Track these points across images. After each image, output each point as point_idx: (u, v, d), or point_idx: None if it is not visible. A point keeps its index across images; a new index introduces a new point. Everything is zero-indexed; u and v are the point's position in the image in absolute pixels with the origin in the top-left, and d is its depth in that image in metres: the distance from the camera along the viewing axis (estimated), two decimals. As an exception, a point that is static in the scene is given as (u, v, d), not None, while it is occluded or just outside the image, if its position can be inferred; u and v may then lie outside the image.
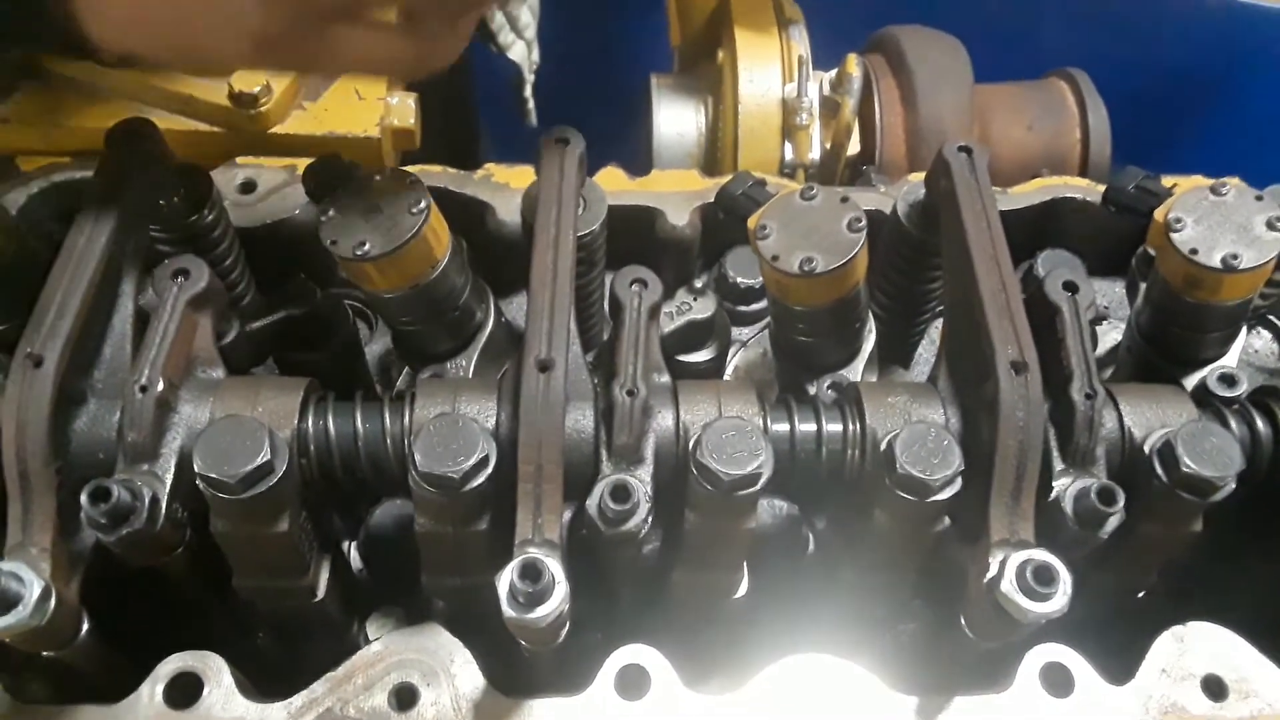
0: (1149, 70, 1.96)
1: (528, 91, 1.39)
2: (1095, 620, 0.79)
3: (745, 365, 1.00)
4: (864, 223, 0.74)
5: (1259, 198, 0.77)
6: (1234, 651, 0.75)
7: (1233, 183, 0.78)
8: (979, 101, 1.48)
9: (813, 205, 0.76)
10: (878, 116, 1.42)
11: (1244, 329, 0.85)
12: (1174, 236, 0.76)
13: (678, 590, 0.75)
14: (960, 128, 1.41)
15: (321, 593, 0.74)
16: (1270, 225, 0.76)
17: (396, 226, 0.70)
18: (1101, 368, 0.98)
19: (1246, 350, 1.09)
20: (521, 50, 1.33)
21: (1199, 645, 0.75)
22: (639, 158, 1.52)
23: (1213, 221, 0.76)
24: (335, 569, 0.76)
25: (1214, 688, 0.73)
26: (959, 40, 1.49)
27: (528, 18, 1.32)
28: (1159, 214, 0.78)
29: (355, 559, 0.86)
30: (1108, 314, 1.04)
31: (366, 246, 0.70)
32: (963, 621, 0.70)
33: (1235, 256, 0.74)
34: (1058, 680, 0.72)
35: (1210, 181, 0.79)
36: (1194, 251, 0.75)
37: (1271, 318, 1.09)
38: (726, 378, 0.99)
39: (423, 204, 0.71)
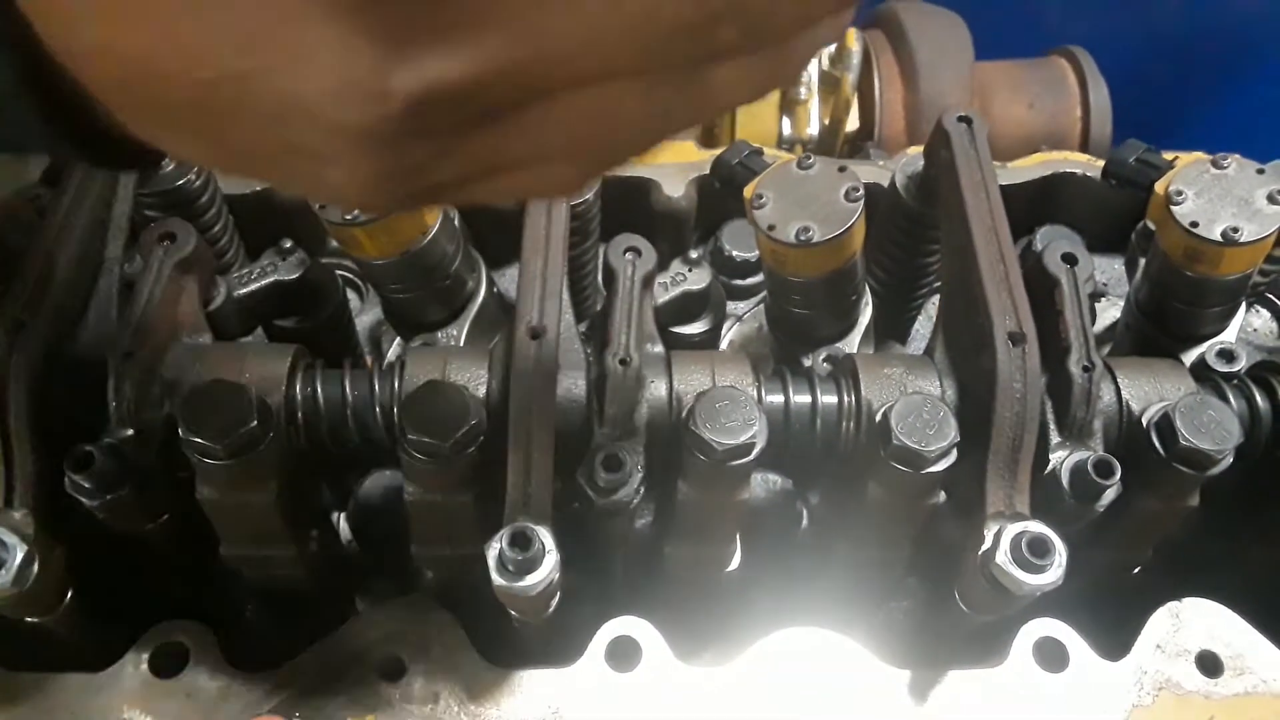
0: (1152, 48, 1.95)
1: None
2: (1090, 595, 0.78)
3: (741, 339, 1.00)
4: (861, 192, 0.73)
5: (1260, 171, 0.76)
6: (1229, 628, 0.74)
7: (1234, 157, 0.77)
8: (980, 79, 1.47)
9: (810, 174, 0.75)
10: (877, 92, 1.41)
11: (1243, 304, 0.84)
12: (1175, 209, 0.75)
13: (670, 563, 0.75)
14: (960, 105, 1.39)
15: (309, 562, 0.73)
16: (1271, 199, 0.75)
17: (387, 191, 0.69)
18: (1100, 344, 0.97)
19: (1245, 329, 1.08)
20: None
21: (1194, 621, 0.75)
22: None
23: (1214, 195, 0.75)
24: (324, 539, 0.76)
25: (1208, 664, 0.73)
26: (960, 17, 1.48)
27: None
28: (1160, 187, 0.77)
29: (345, 530, 0.85)
30: (1106, 291, 1.03)
31: (356, 212, 0.69)
32: (957, 595, 0.70)
33: (1236, 230, 0.73)
34: (1052, 655, 0.72)
35: (1212, 155, 0.78)
36: (1194, 224, 0.74)
37: (1271, 296, 1.08)
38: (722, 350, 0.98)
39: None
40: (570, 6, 0.38)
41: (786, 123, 1.35)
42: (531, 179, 0.44)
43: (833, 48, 1.37)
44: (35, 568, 0.60)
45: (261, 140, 0.40)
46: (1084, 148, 1.45)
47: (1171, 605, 0.75)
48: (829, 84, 1.35)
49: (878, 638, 0.77)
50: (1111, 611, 0.77)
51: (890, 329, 0.96)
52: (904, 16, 1.43)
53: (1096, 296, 1.03)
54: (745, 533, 0.76)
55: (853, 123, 1.39)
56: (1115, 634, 0.76)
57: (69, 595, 0.66)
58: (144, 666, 0.68)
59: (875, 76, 1.41)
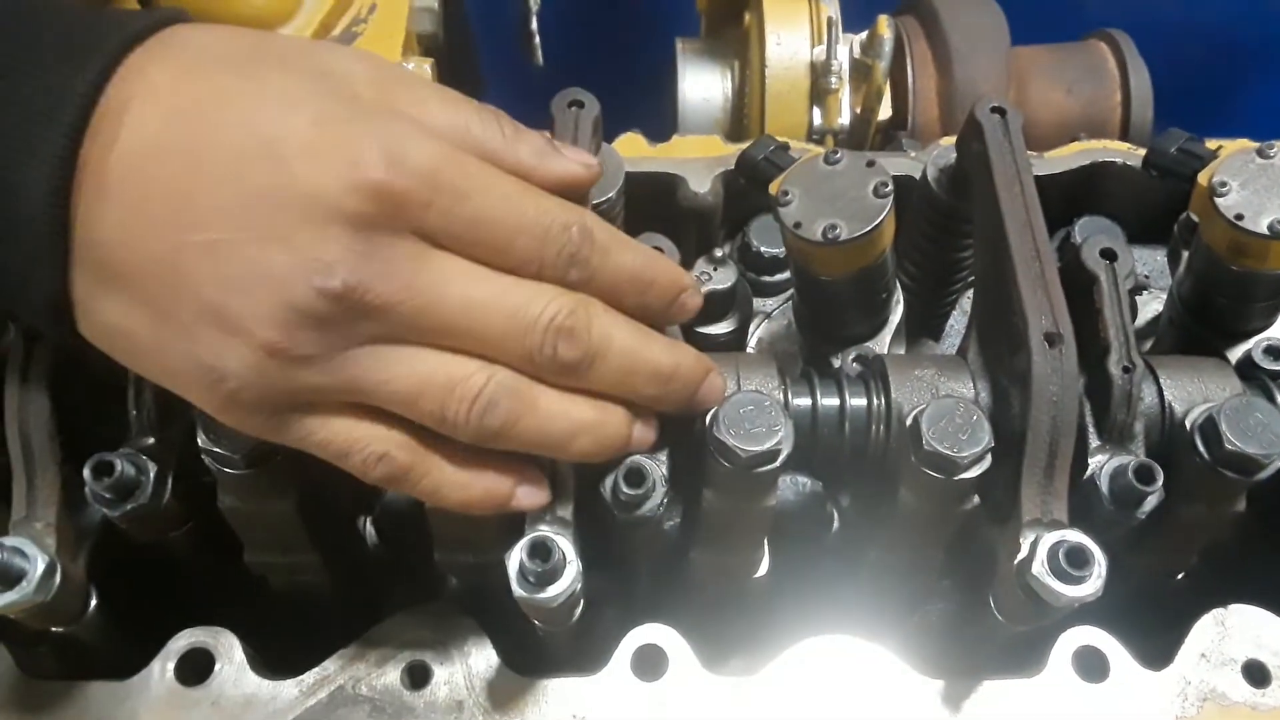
0: (1194, 32, 1.89)
1: (534, 25, 1.36)
2: (1132, 603, 0.76)
3: (769, 337, 0.98)
4: (890, 188, 0.71)
5: (1311, 160, 0.73)
6: (1278, 636, 0.72)
7: (1282, 144, 0.74)
8: (1016, 64, 1.43)
9: (837, 170, 0.73)
10: (910, 80, 1.37)
11: (1293, 299, 0.81)
12: (1218, 201, 0.72)
13: (696, 570, 0.73)
14: (996, 91, 1.36)
15: (334, 569, 0.73)
16: (1323, 189, 0.72)
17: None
18: (1142, 339, 0.95)
19: (1292, 321, 1.04)
20: None
21: (1241, 629, 0.72)
22: (665, 123, 1.49)
23: (1260, 185, 0.72)
24: (349, 545, 0.75)
25: (1256, 673, 0.70)
26: (995, 1, 1.44)
27: None
28: (1203, 178, 0.74)
29: (371, 534, 0.85)
30: (1148, 283, 0.99)
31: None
32: (992, 603, 0.68)
33: (1285, 222, 0.70)
34: (1091, 664, 0.70)
35: (1257, 144, 0.75)
36: (1239, 217, 0.71)
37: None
38: (749, 350, 0.97)
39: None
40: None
41: (817, 113, 1.32)
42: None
43: (864, 34, 1.34)
44: (57, 578, 0.60)
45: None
46: (1124, 134, 1.41)
47: (1217, 612, 0.73)
48: (860, 72, 1.32)
49: (911, 644, 0.76)
50: (1154, 619, 0.75)
51: (923, 326, 0.93)
52: (937, 2, 1.40)
53: (1139, 290, 1.00)
54: (774, 537, 0.74)
55: (885, 111, 1.36)
56: (1158, 642, 0.73)
57: (92, 605, 0.66)
58: (170, 674, 0.68)
59: (908, 63, 1.38)
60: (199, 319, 0.50)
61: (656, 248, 0.70)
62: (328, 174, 0.50)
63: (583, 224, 0.57)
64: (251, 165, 0.49)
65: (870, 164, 0.73)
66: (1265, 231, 0.71)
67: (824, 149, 0.74)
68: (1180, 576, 0.77)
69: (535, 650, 0.72)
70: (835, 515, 0.83)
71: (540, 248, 0.55)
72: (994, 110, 0.75)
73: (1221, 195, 0.73)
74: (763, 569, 0.74)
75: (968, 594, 0.78)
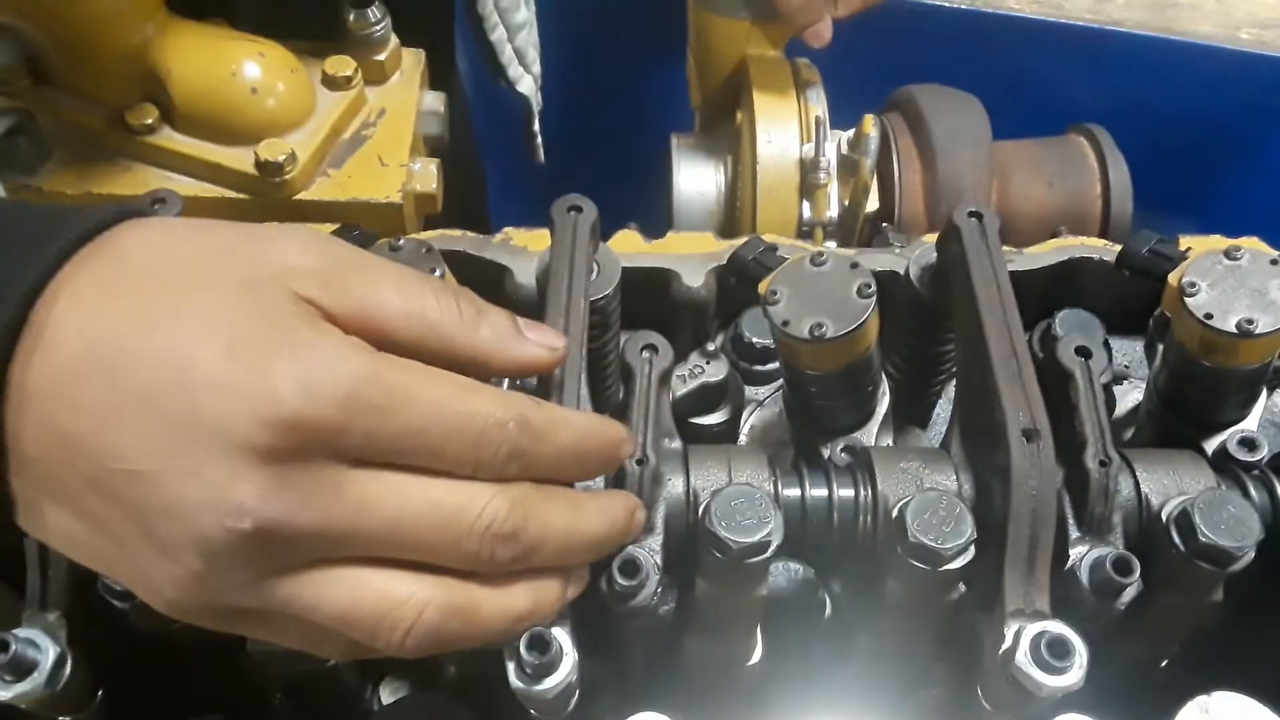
0: (1177, 125, 1.97)
1: (536, 126, 1.43)
2: (1118, 690, 0.77)
3: (761, 425, 1.00)
4: (873, 288, 0.75)
5: (1274, 262, 0.77)
6: (1261, 723, 0.73)
7: (1248, 245, 0.78)
8: (999, 158, 1.48)
9: (823, 271, 0.77)
10: (896, 174, 1.43)
11: (1265, 391, 0.84)
12: (1188, 301, 0.76)
13: (690, 657, 0.75)
14: (979, 184, 1.42)
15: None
16: (1286, 289, 0.75)
17: (411, 295, 0.71)
18: (1122, 428, 0.98)
19: (1271, 409, 1.07)
20: (530, 84, 1.37)
21: (1223, 714, 0.73)
22: (661, 215, 1.54)
23: (1227, 285, 0.76)
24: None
25: (1240, 760, 0.71)
26: (977, 98, 1.50)
27: (534, 54, 1.35)
28: (1173, 278, 0.78)
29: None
30: (1128, 373, 1.03)
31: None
32: (979, 691, 0.69)
33: (1251, 321, 0.74)
34: (1079, 751, 0.71)
35: (1226, 244, 0.79)
36: (1209, 316, 0.75)
37: (1296, 378, 1.08)
38: (742, 437, 0.99)
39: (439, 272, 0.73)
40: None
41: (806, 206, 1.37)
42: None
43: (851, 132, 1.40)
44: (68, 669, 0.62)
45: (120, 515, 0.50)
46: (1105, 225, 1.46)
47: (1200, 699, 0.74)
48: (848, 168, 1.37)
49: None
50: (1140, 706, 0.76)
51: (911, 414, 0.96)
52: (921, 99, 1.46)
53: (1119, 380, 1.03)
54: (767, 623, 0.76)
55: (873, 204, 1.41)
56: (1145, 730, 0.74)
57: (99, 695, 0.68)
58: (171, 763, 0.69)
59: (894, 158, 1.43)
60: (133, 537, 0.50)
61: (651, 345, 0.73)
62: (237, 408, 0.48)
63: (520, 416, 0.56)
64: (164, 396, 0.48)
65: (854, 265, 0.76)
66: (1233, 330, 0.74)
67: (814, 247, 0.78)
68: (1164, 664, 0.78)
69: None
70: (828, 601, 0.85)
71: (475, 451, 0.54)
72: (971, 215, 0.79)
73: (1191, 295, 0.76)
74: (756, 657, 0.75)
75: (958, 681, 0.80)
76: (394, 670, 0.84)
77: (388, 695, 0.83)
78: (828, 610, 0.85)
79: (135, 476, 0.49)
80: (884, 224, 1.41)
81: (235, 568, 0.50)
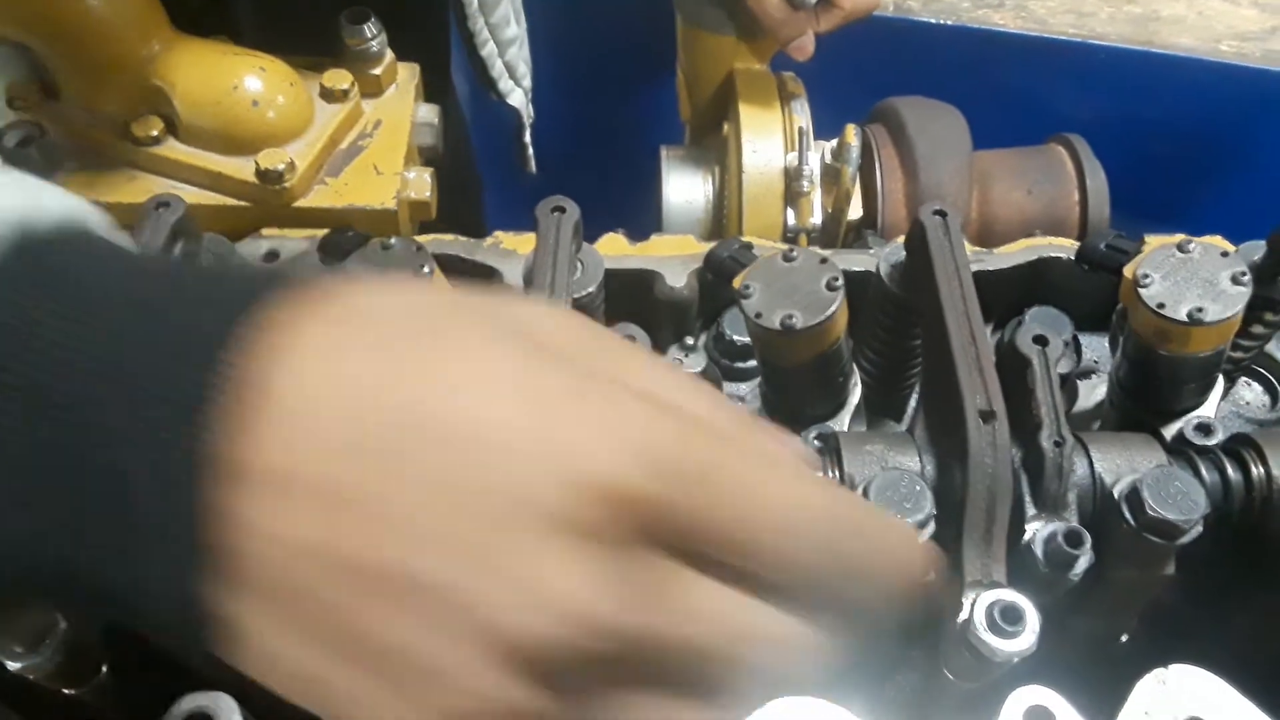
0: (1159, 136, 2.01)
1: (527, 137, 1.47)
2: (1079, 664, 0.81)
3: (743, 421, 1.04)
4: (841, 282, 0.79)
5: (1224, 254, 0.81)
6: (1217, 694, 0.76)
7: (1199, 241, 0.82)
8: (980, 167, 1.53)
9: (794, 266, 0.81)
10: (879, 183, 1.47)
11: (1220, 379, 0.87)
12: (1142, 292, 0.80)
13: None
14: (959, 192, 1.46)
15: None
16: (1235, 280, 0.79)
17: (402, 290, 0.76)
18: (1090, 420, 1.01)
19: (1238, 402, 1.11)
20: (520, 97, 1.42)
21: (1182, 688, 0.76)
22: (651, 224, 1.59)
23: (1180, 277, 0.80)
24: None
25: (1197, 731, 0.75)
26: (959, 110, 1.55)
27: (524, 69, 1.40)
28: (1128, 271, 0.82)
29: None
30: (1097, 368, 1.06)
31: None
32: (943, 665, 0.73)
33: (1200, 310, 0.78)
34: (1041, 722, 0.74)
35: (1178, 239, 0.82)
36: (1161, 306, 0.79)
37: (1261, 370, 1.11)
38: (725, 433, 1.03)
39: (427, 269, 0.77)
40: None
41: (791, 214, 1.42)
42: None
43: (834, 142, 1.44)
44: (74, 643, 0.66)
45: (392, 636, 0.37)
46: (1083, 231, 1.50)
47: (1159, 672, 0.77)
48: (831, 176, 1.42)
49: (880, 710, 0.80)
50: (1101, 679, 0.79)
51: (885, 407, 1.00)
52: (903, 111, 1.50)
53: (1087, 374, 1.07)
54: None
55: (856, 211, 1.45)
56: (1104, 702, 0.78)
57: (104, 669, 0.71)
58: (172, 737, 0.72)
59: (877, 168, 1.47)
60: (389, 665, 0.37)
61: (629, 336, 0.77)
62: (540, 473, 0.37)
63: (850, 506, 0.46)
64: (442, 460, 0.37)
65: (824, 261, 0.80)
66: (1185, 319, 0.78)
67: (783, 247, 0.82)
68: (1124, 639, 0.81)
69: None
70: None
71: (815, 555, 0.42)
72: (936, 213, 0.83)
73: (1145, 286, 0.80)
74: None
75: (931, 665, 0.83)
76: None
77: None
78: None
79: (399, 574, 0.36)
80: (867, 230, 1.45)
81: (538, 692, 0.38)
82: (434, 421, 0.37)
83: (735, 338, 1.04)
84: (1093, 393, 1.03)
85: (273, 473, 0.37)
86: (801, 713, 0.78)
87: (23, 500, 0.37)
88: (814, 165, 1.40)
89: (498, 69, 1.36)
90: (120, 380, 0.37)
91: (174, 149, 1.04)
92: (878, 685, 0.90)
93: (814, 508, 0.43)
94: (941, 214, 0.83)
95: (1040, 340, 0.78)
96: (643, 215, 1.62)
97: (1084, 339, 1.10)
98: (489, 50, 1.33)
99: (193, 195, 1.03)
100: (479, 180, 1.77)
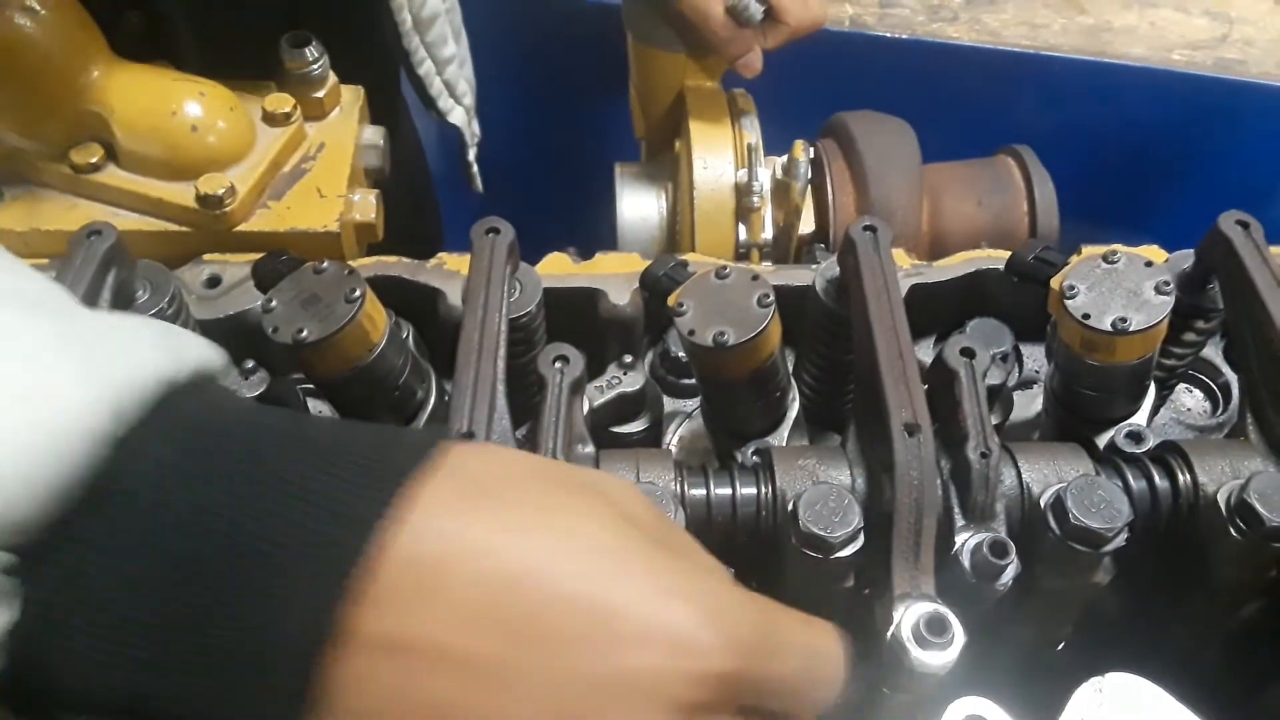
0: (1113, 145, 2.04)
1: (472, 155, 1.48)
2: (1017, 673, 0.81)
3: (690, 435, 1.04)
4: (772, 299, 0.79)
5: (1148, 264, 0.82)
6: (1153, 702, 0.77)
7: (1124, 252, 0.83)
8: (930, 180, 1.54)
9: (726, 283, 0.81)
10: (830, 197, 1.48)
11: (1152, 387, 0.89)
12: (1068, 303, 0.81)
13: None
14: (909, 205, 1.47)
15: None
16: (1159, 290, 0.80)
17: (333, 313, 0.76)
18: (1031, 431, 1.02)
19: (1179, 409, 1.12)
20: (461, 116, 1.42)
21: (1117, 695, 0.77)
22: (606, 242, 1.59)
23: (1105, 288, 0.81)
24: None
25: (1133, 737, 0.75)
26: (908, 123, 1.56)
27: (465, 87, 1.41)
28: (1055, 282, 0.83)
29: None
30: (1038, 378, 1.07)
31: (304, 333, 0.75)
32: (878, 677, 0.73)
33: (1124, 320, 0.79)
34: (978, 733, 0.74)
35: (1103, 250, 0.84)
36: (1086, 316, 0.80)
37: (1202, 377, 1.13)
38: (671, 449, 1.03)
39: (358, 292, 0.77)
40: None
41: (743, 229, 1.42)
42: None
43: (785, 158, 1.45)
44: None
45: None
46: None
47: (1095, 680, 0.78)
48: (782, 191, 1.43)
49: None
50: (1037, 688, 0.80)
51: (827, 421, 1.01)
52: (853, 125, 1.52)
53: (1028, 384, 1.08)
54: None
55: (808, 225, 1.46)
56: (1043, 709, 0.78)
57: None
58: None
59: (829, 183, 1.49)
60: None
61: (562, 356, 0.77)
62: (663, 659, 0.41)
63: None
64: (562, 630, 0.40)
65: (755, 278, 0.81)
66: (1109, 329, 0.79)
67: (718, 264, 0.83)
68: (1060, 648, 0.82)
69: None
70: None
71: (824, 699, 0.51)
72: (866, 228, 0.84)
73: (1070, 297, 0.81)
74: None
75: (867, 675, 0.83)
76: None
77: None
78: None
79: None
80: (820, 245, 1.46)
81: None
82: (560, 602, 0.41)
83: (680, 354, 1.04)
84: (1033, 403, 1.04)
85: (392, 645, 0.40)
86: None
87: (154, 643, 0.40)
88: (764, 181, 1.41)
89: (436, 87, 1.37)
90: (269, 552, 0.40)
91: (114, 175, 1.03)
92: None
93: (834, 656, 0.53)
94: (871, 229, 0.84)
95: (967, 352, 0.78)
96: (600, 232, 1.63)
97: (1028, 349, 1.11)
98: (426, 69, 1.34)
99: (133, 222, 1.03)
100: (435, 199, 1.77)
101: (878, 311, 0.78)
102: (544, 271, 1.02)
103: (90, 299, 0.80)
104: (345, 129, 1.13)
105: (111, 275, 0.82)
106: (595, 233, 1.58)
